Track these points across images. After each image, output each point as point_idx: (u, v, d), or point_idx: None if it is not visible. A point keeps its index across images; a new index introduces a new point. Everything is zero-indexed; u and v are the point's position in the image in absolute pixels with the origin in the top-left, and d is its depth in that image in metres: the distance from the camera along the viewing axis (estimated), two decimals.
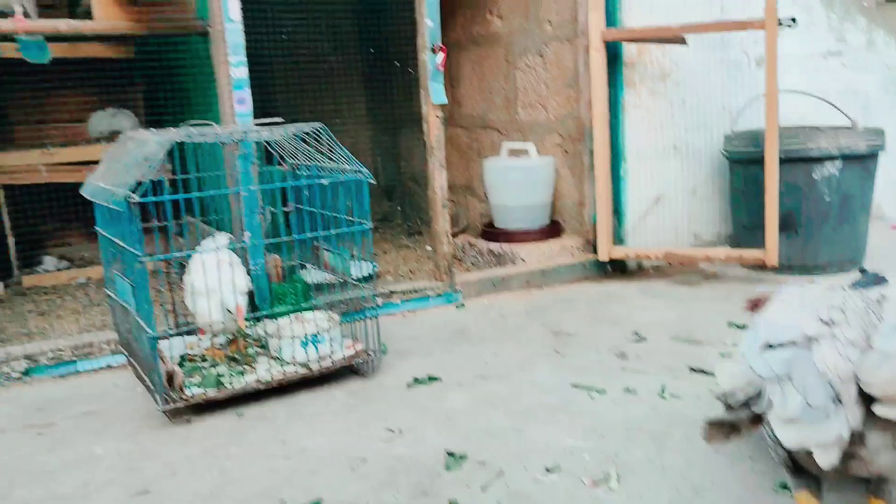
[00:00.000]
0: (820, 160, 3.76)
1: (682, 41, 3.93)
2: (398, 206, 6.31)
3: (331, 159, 2.84)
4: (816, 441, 1.29)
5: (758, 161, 3.75)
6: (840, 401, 1.33)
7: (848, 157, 3.77)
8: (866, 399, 1.35)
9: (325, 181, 2.77)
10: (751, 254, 3.79)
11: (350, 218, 2.83)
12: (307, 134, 2.81)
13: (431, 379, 2.77)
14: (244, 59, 3.26)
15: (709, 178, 4.31)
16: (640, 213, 4.19)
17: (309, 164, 2.99)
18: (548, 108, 4.56)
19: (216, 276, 2.71)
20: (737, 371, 1.45)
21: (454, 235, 5.02)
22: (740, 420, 1.42)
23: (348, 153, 2.82)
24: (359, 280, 4.00)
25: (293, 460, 2.22)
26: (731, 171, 4.11)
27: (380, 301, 3.65)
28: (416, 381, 2.76)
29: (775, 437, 1.39)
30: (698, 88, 4.17)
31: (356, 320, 2.93)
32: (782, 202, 3.71)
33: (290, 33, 4.55)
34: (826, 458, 1.30)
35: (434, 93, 3.63)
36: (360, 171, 2.76)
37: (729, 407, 1.42)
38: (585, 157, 4.17)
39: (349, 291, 3.03)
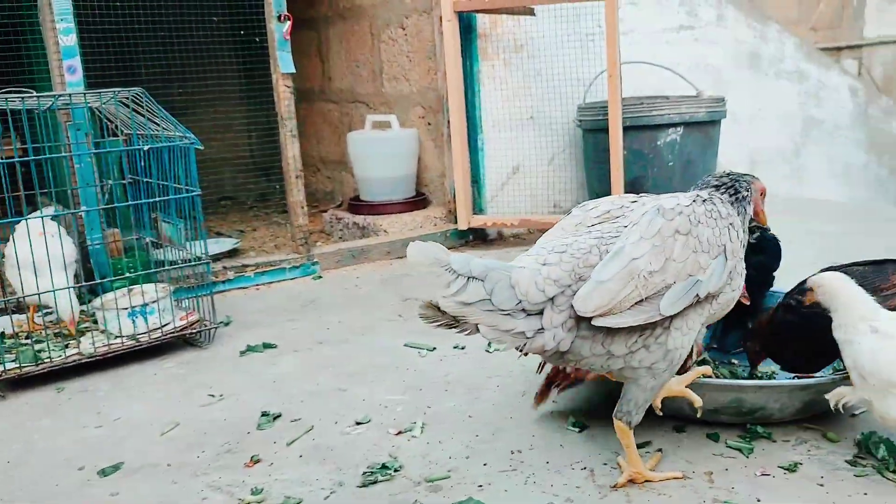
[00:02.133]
0: (663, 127, 3.90)
1: (531, 12, 4.00)
2: (276, 185, 6.20)
3: (158, 126, 2.76)
4: (505, 329, 1.52)
5: (606, 130, 3.85)
6: (528, 312, 1.52)
7: (689, 124, 3.92)
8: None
9: (147, 147, 2.69)
10: None
11: (178, 186, 2.77)
12: (128, 99, 2.73)
13: (266, 346, 2.74)
14: (73, 25, 3.13)
15: (565, 147, 4.41)
16: (499, 182, 4.25)
17: (143, 133, 2.91)
18: (410, 80, 4.56)
19: (43, 250, 2.61)
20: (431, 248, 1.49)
21: (324, 211, 4.99)
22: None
23: (174, 119, 2.75)
24: (220, 256, 3.93)
25: (104, 429, 2.16)
26: (583, 140, 4.21)
27: (232, 275, 3.60)
28: (250, 348, 2.73)
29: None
30: (553, 60, 4.24)
31: (199, 296, 2.86)
32: (630, 168, 3.83)
33: (155, 5, 4.41)
34: (513, 344, 1.56)
35: (282, 62, 3.57)
36: (185, 137, 2.70)
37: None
38: (445, 128, 4.20)
39: (188, 265, 2.96)
